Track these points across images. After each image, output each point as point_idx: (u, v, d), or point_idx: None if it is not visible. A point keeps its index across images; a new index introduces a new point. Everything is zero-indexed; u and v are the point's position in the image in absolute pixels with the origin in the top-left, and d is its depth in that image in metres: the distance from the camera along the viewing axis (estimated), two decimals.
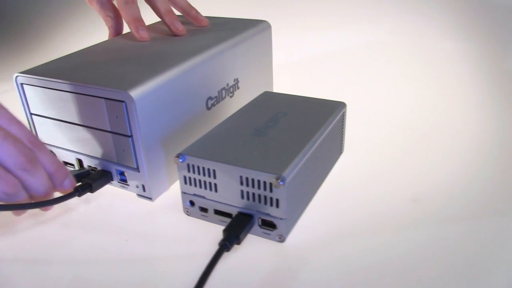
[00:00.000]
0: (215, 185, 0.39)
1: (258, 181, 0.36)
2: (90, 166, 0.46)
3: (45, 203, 0.38)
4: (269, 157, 0.38)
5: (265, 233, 0.38)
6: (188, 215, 0.42)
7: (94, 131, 0.43)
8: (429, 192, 0.44)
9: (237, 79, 0.53)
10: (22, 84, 0.45)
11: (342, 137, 0.50)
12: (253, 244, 0.38)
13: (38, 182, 0.36)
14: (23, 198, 0.36)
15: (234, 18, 0.61)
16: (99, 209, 0.44)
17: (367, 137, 0.55)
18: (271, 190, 0.36)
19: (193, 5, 0.59)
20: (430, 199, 0.43)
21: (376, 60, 0.79)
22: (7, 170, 0.34)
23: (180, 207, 0.42)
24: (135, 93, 0.39)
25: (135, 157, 0.42)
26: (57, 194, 0.40)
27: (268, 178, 0.36)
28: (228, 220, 0.40)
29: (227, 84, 0.52)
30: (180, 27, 0.54)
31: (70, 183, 0.40)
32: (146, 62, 0.45)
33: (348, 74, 0.77)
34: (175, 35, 0.54)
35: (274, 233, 0.38)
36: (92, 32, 0.91)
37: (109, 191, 0.45)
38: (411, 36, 0.79)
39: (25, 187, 0.36)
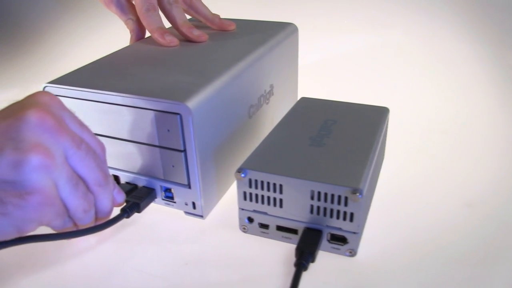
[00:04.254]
0: (281, 200, 0.37)
1: (332, 195, 0.34)
2: (128, 183, 0.42)
3: (97, 228, 0.35)
4: (339, 169, 0.36)
5: (334, 248, 0.37)
6: (244, 232, 0.40)
7: (137, 146, 0.39)
8: (479, 196, 0.44)
9: (272, 85, 0.51)
10: None
11: (385, 143, 0.49)
12: (322, 260, 0.36)
13: (107, 198, 0.34)
14: (92, 218, 0.33)
15: (258, 20, 0.59)
16: (146, 229, 0.40)
17: (402, 141, 0.55)
18: (346, 204, 0.34)
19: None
20: (483, 203, 0.43)
21: (390, 63, 0.79)
22: (87, 185, 0.32)
23: (234, 224, 0.40)
24: (192, 104, 0.36)
25: (187, 173, 0.39)
26: None
27: (344, 191, 0.34)
28: (291, 236, 0.38)
29: (265, 91, 0.49)
30: (199, 33, 0.50)
31: (123, 199, 0.37)
32: (190, 70, 0.42)
33: (362, 76, 0.76)
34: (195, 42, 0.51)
35: (344, 247, 0.36)
36: (89, 32, 0.86)
37: (152, 208, 0.42)
38: (423, 38, 0.79)
39: (95, 204, 0.33)
